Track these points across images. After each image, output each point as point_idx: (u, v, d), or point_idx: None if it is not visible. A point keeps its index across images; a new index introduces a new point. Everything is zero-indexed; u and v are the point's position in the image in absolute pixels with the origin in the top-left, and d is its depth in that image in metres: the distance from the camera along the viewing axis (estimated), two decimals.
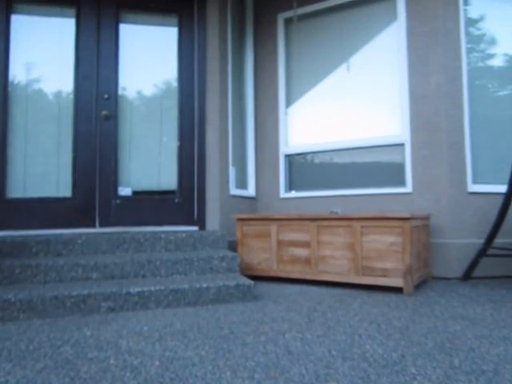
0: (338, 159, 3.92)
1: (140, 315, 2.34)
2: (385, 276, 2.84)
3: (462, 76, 3.46)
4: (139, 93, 3.84)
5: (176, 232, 3.40)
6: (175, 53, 3.88)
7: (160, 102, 3.88)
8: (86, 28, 3.67)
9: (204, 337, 1.92)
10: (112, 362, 1.63)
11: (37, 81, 3.62)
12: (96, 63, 3.67)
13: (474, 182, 3.43)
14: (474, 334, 1.91)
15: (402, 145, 3.56)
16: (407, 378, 1.43)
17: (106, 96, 3.66)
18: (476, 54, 3.59)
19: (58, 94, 3.65)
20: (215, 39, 3.83)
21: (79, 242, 3.03)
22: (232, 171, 3.92)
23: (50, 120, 3.61)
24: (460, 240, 3.33)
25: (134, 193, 3.73)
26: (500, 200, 3.17)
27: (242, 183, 4.15)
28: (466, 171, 3.40)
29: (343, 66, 3.91)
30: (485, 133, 3.50)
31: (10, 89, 3.53)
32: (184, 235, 3.24)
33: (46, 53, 3.64)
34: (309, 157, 4.08)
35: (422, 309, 2.39)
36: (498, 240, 3.17)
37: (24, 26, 3.60)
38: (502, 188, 3.22)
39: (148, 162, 3.80)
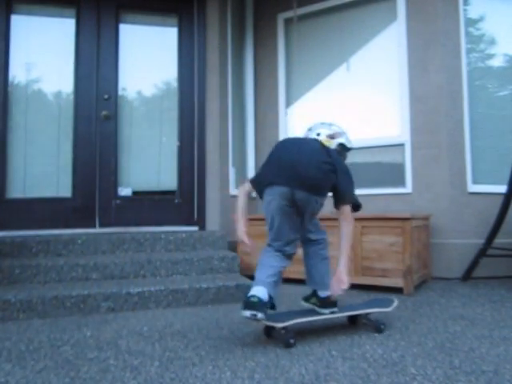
0: None
1: (140, 315, 2.34)
2: (385, 276, 2.84)
3: (461, 76, 3.46)
4: (139, 93, 3.84)
5: (176, 232, 3.40)
6: (175, 53, 3.88)
7: (160, 103, 3.88)
8: (86, 28, 3.67)
9: (204, 337, 1.92)
10: (112, 362, 1.63)
11: (37, 81, 3.62)
12: (96, 63, 3.67)
13: (474, 182, 3.43)
14: (474, 334, 1.91)
15: (402, 145, 3.56)
16: (407, 378, 1.42)
17: (105, 96, 3.66)
18: (476, 54, 3.59)
19: (58, 94, 3.65)
20: (215, 39, 3.83)
21: (79, 242, 3.03)
22: (232, 171, 3.92)
23: (50, 120, 3.61)
24: (460, 240, 3.32)
25: (134, 193, 3.73)
26: (500, 200, 3.16)
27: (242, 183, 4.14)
28: (465, 171, 3.40)
29: (343, 66, 3.91)
30: (485, 133, 3.50)
31: (9, 89, 3.52)
32: (184, 235, 3.24)
33: (45, 53, 3.63)
34: None
35: (421, 309, 2.39)
36: (498, 240, 3.17)
37: (24, 26, 3.60)
38: (502, 188, 3.21)
39: (148, 163, 3.79)
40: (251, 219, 3.41)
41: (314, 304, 2.02)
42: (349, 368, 1.53)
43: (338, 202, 1.91)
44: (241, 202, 2.05)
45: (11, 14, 3.56)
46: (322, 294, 1.98)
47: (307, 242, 2.08)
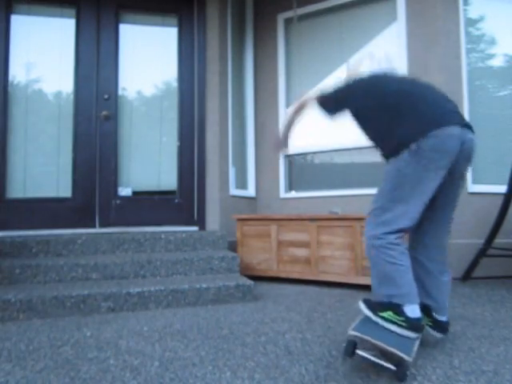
0: (338, 159, 3.92)
1: (140, 315, 2.34)
2: None
3: (461, 76, 3.46)
4: (139, 93, 3.84)
5: (176, 232, 3.40)
6: (175, 53, 3.88)
7: (160, 102, 3.88)
8: (86, 28, 3.67)
9: (204, 337, 1.92)
10: (112, 362, 1.63)
11: (37, 81, 3.62)
12: (96, 63, 3.67)
13: (474, 182, 3.43)
14: (474, 334, 1.91)
15: None
16: (407, 378, 1.42)
17: (106, 96, 3.66)
18: (476, 54, 3.59)
19: (58, 94, 3.65)
20: (215, 39, 3.83)
21: (79, 242, 3.03)
22: (232, 171, 3.92)
23: (50, 120, 3.61)
24: (460, 240, 3.32)
25: (134, 193, 3.73)
26: (500, 200, 3.16)
27: (242, 183, 4.14)
28: None
29: (343, 66, 3.91)
30: (485, 133, 3.50)
31: (9, 89, 3.52)
32: (184, 235, 3.24)
33: (46, 53, 3.64)
34: (309, 157, 4.08)
35: None
36: (498, 240, 3.17)
37: (24, 26, 3.60)
38: (502, 188, 3.21)
39: (148, 162, 3.79)
40: (251, 219, 3.41)
41: (427, 324, 1.75)
42: (349, 368, 1.53)
43: None
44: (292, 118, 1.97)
45: (11, 14, 3.56)
46: (441, 317, 1.74)
47: (438, 254, 1.74)
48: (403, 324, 1.50)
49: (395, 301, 1.54)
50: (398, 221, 1.57)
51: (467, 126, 1.58)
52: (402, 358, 1.40)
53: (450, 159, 1.54)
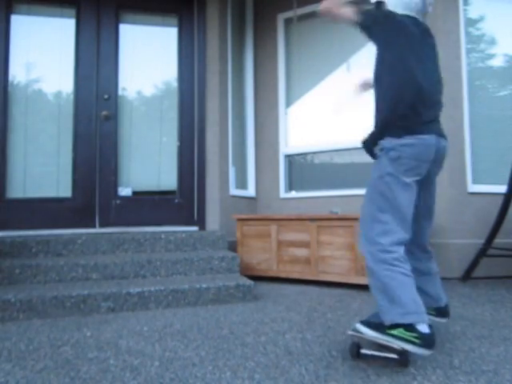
0: (338, 159, 3.91)
1: (140, 315, 2.34)
2: None
3: (461, 76, 3.46)
4: (139, 93, 3.84)
5: (176, 232, 3.40)
6: (175, 53, 3.88)
7: (160, 102, 3.88)
8: (86, 28, 3.66)
9: (204, 337, 1.92)
10: (112, 362, 1.63)
11: (37, 81, 3.62)
12: (96, 63, 3.67)
13: (474, 182, 3.43)
14: (474, 334, 1.91)
15: None
16: (407, 378, 1.42)
17: (106, 96, 3.66)
18: (476, 54, 3.58)
19: (58, 94, 3.65)
20: (215, 39, 3.83)
21: (79, 242, 3.03)
22: (232, 171, 3.92)
23: (50, 120, 3.61)
24: (460, 240, 3.32)
25: (134, 193, 3.73)
26: (500, 200, 3.16)
27: (242, 183, 4.14)
28: (465, 171, 3.40)
29: (343, 66, 3.91)
30: (485, 133, 3.50)
31: (9, 89, 3.52)
32: (184, 235, 3.24)
33: (46, 53, 3.63)
34: (309, 157, 4.08)
35: None
36: (498, 240, 3.17)
37: (24, 26, 3.60)
38: (502, 188, 3.21)
39: (148, 162, 3.79)
40: (251, 219, 3.41)
41: (430, 314, 1.69)
42: (349, 368, 1.53)
43: None
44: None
45: (11, 14, 3.55)
46: (441, 304, 1.78)
47: (422, 253, 1.81)
48: (416, 341, 1.44)
49: (410, 320, 1.46)
50: (395, 231, 1.56)
51: (442, 135, 1.66)
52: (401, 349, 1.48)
53: (427, 167, 1.62)
